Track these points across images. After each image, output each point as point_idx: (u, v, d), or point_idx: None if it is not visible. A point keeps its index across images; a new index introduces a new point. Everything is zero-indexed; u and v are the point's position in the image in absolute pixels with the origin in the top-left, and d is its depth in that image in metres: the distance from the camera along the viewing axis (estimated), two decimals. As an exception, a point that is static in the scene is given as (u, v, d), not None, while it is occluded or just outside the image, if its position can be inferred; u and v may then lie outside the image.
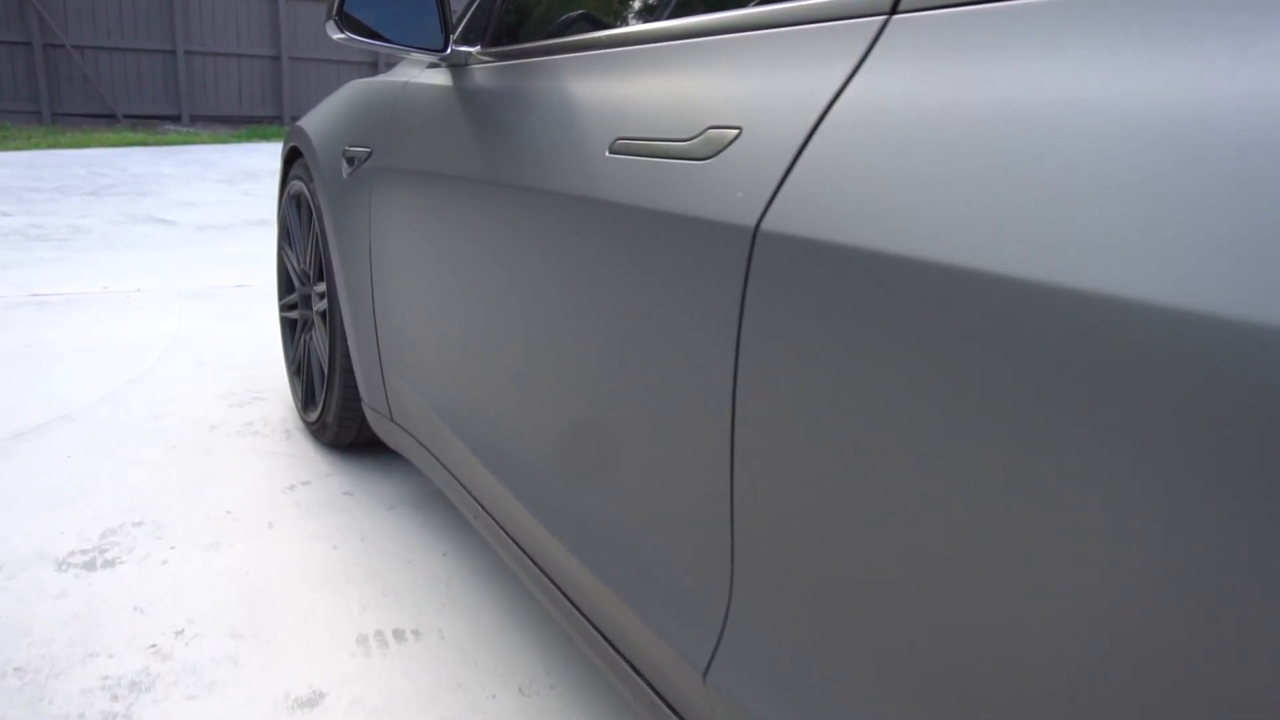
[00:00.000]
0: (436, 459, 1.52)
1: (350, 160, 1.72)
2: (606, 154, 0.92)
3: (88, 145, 8.80)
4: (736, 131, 0.75)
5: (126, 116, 10.87)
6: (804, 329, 0.64)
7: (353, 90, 1.90)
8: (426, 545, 1.72)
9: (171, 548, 1.66)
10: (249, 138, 10.44)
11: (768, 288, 0.68)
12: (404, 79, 1.67)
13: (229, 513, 1.80)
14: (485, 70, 1.35)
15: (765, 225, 0.68)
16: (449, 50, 1.37)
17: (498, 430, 1.23)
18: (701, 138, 0.79)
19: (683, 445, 0.80)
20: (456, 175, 1.27)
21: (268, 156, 8.70)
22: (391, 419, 1.72)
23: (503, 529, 1.27)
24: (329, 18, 1.27)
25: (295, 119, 11.90)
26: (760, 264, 0.68)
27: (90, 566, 1.58)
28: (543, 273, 1.02)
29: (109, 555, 1.62)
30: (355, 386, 1.90)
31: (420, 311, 1.45)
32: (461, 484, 1.42)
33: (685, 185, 0.78)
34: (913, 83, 0.62)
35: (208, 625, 1.43)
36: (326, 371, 1.94)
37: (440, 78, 1.51)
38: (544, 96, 1.10)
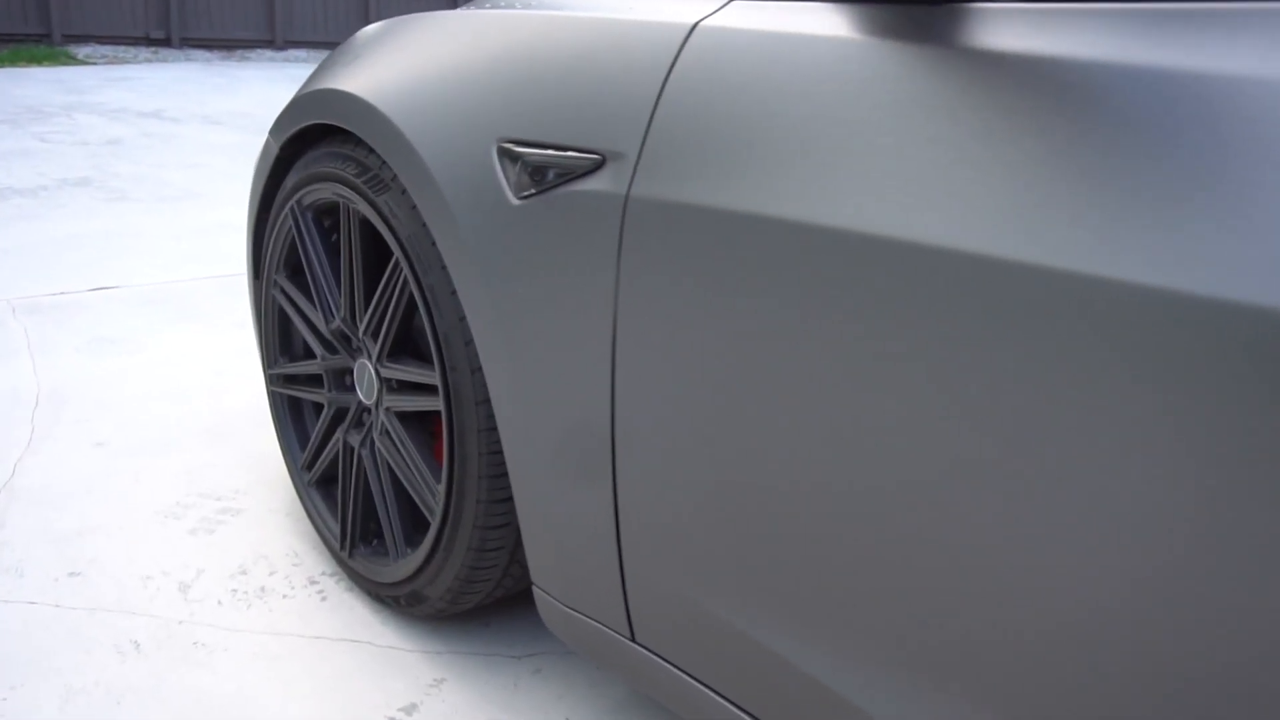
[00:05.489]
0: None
1: (537, 173, 0.91)
2: None
3: None
4: None
5: None
6: None
7: (501, 29, 1.05)
8: None
9: None
10: (12, 61, 8.43)
11: None
12: (676, 19, 0.87)
13: (314, 815, 0.99)
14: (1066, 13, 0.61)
15: None
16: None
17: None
18: None
19: None
20: (994, 259, 0.55)
21: (47, 87, 6.97)
22: (632, 639, 0.96)
23: None
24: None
25: (69, 38, 9.77)
26: None
27: None
28: None
29: None
30: (498, 549, 1.11)
31: (773, 477, 0.72)
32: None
33: None
34: None
35: None
36: (440, 522, 1.13)
37: (822, 20, 0.74)
38: None
